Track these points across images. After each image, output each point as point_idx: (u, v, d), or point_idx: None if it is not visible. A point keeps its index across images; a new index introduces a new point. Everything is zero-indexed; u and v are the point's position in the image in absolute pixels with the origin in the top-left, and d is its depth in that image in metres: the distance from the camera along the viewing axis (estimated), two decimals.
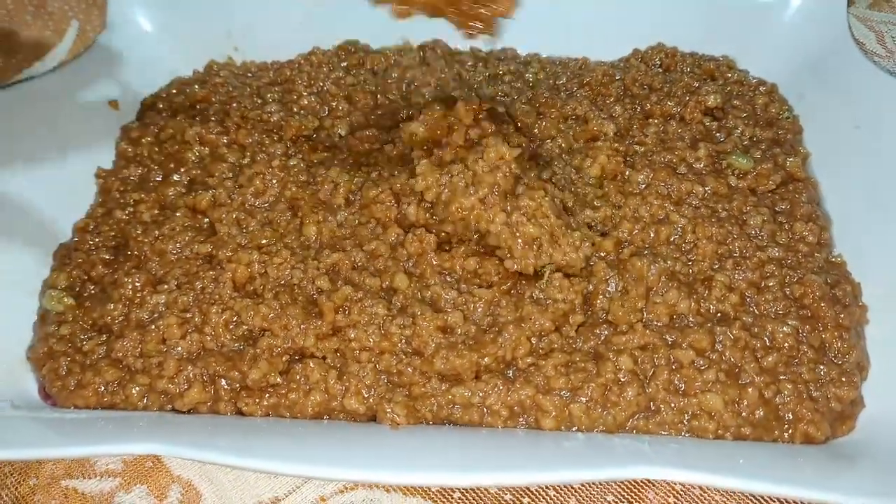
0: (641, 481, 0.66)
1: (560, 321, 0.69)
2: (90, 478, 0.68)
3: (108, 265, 0.78)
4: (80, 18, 1.07)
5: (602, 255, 0.75)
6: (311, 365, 0.68)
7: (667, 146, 0.84)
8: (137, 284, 0.75)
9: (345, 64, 0.99)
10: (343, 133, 0.90)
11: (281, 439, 0.65)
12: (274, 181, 0.83)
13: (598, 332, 0.70)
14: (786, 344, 0.68)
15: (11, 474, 0.68)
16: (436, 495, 0.66)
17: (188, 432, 0.64)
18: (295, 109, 0.93)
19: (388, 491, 0.66)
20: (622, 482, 0.66)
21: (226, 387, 0.69)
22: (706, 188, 0.80)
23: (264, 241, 0.77)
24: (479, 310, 0.70)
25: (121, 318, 0.73)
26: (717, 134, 0.86)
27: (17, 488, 0.68)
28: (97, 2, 1.07)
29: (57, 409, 0.69)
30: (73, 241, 0.80)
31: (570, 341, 0.69)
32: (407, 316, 0.70)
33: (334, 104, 0.93)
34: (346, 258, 0.75)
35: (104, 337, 0.72)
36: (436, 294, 0.72)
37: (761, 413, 0.65)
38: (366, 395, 0.67)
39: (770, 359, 0.67)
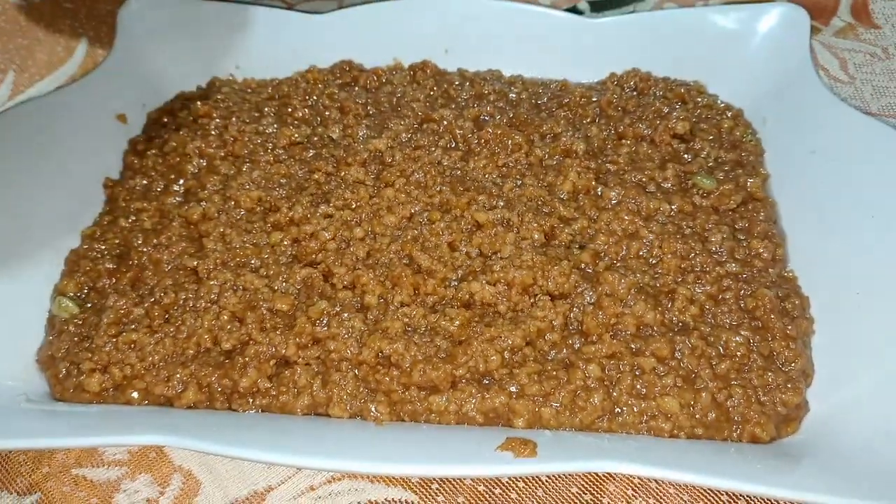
0: (603, 475, 0.72)
1: (534, 337, 0.75)
2: (98, 466, 0.74)
3: (111, 274, 0.84)
4: (89, 36, 1.13)
5: (581, 266, 0.81)
6: (299, 371, 0.74)
7: (637, 166, 0.90)
8: (130, 299, 0.80)
9: (339, 81, 1.05)
10: (335, 136, 0.96)
11: (274, 433, 0.70)
12: (253, 192, 0.88)
13: (570, 342, 0.75)
14: (738, 352, 0.74)
15: (25, 462, 0.74)
16: (415, 485, 0.72)
17: (189, 425, 0.70)
18: (289, 121, 0.99)
19: (371, 481, 0.72)
20: (585, 475, 0.72)
21: (219, 390, 0.74)
22: (673, 206, 0.86)
23: (244, 260, 0.83)
24: (454, 328, 0.75)
25: (116, 329, 0.78)
26: (685, 155, 0.92)
27: (30, 475, 0.73)
28: (107, 20, 1.13)
29: (68, 403, 0.75)
30: (82, 249, 0.86)
31: (543, 353, 0.75)
32: (381, 333, 0.75)
33: (327, 114, 0.99)
34: (318, 272, 0.81)
35: (101, 343, 0.77)
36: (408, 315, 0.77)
37: (713, 415, 0.71)
38: (348, 405, 0.72)
39: (723, 366, 0.73)
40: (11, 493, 0.72)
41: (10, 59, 1.11)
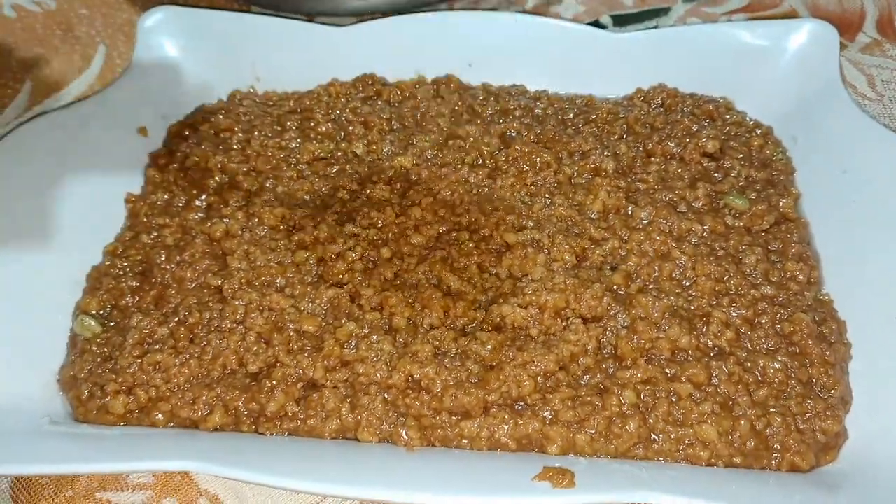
0: None
1: (567, 361, 0.73)
2: (123, 490, 0.73)
3: (134, 292, 0.82)
4: (107, 44, 1.11)
5: (613, 288, 0.79)
6: (327, 395, 0.72)
7: (668, 185, 0.89)
8: (155, 319, 0.78)
9: (362, 95, 1.03)
10: (359, 152, 0.95)
11: (302, 458, 0.69)
12: (277, 209, 0.87)
13: (604, 366, 0.74)
14: (776, 379, 0.72)
15: (48, 485, 0.73)
16: None
17: (216, 450, 0.68)
18: (312, 136, 0.98)
19: None
20: None
21: (245, 413, 0.73)
22: (705, 227, 0.84)
23: (269, 279, 0.81)
24: (486, 352, 0.74)
25: (141, 350, 0.76)
26: (715, 174, 0.91)
27: (54, 499, 0.72)
28: (124, 29, 1.12)
29: (92, 426, 0.73)
30: (104, 265, 0.85)
31: (577, 378, 0.73)
32: (411, 357, 0.74)
33: (351, 129, 0.98)
34: (344, 292, 0.79)
35: (126, 364, 0.75)
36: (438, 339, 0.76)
37: (752, 443, 0.69)
38: (377, 430, 0.71)
39: (761, 392, 0.72)
40: None
41: (27, 68, 1.09)
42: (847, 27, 1.13)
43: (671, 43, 1.03)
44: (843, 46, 1.09)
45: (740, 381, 0.72)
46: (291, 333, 0.77)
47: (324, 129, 0.98)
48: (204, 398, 0.73)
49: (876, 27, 1.14)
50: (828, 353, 0.74)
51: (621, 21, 1.17)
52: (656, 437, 0.70)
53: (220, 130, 0.97)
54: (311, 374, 0.74)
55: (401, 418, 0.71)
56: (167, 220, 0.88)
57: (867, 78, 1.07)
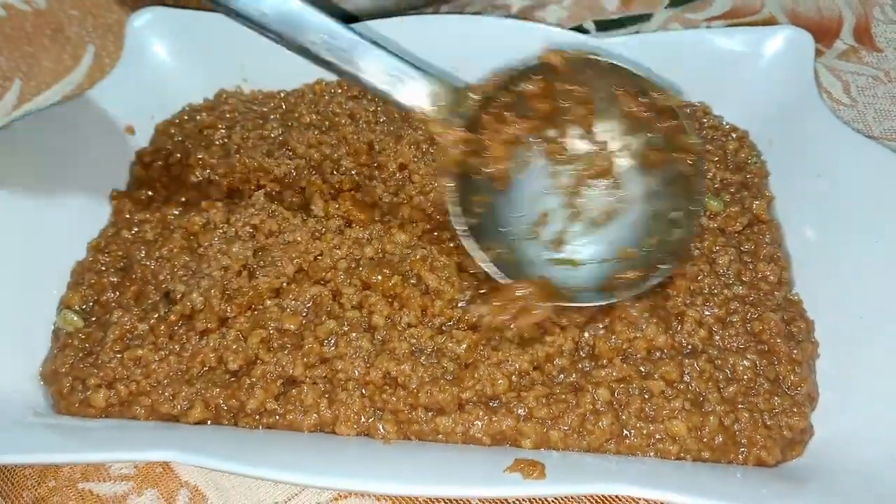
0: (610, 497, 0.72)
1: (542, 362, 0.75)
2: (105, 481, 0.74)
3: (115, 288, 0.83)
4: (96, 44, 1.13)
5: None
6: (306, 390, 0.73)
7: None
8: (135, 315, 0.79)
9: (348, 94, 1.04)
10: (347, 137, 0.96)
11: (281, 450, 0.71)
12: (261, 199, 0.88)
13: (580, 366, 0.75)
14: (745, 376, 0.74)
15: (31, 476, 0.74)
16: None
17: (196, 442, 0.70)
18: (295, 125, 0.99)
19: (378, 500, 0.72)
20: (591, 497, 0.73)
21: (225, 409, 0.74)
22: None
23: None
24: (461, 350, 0.75)
25: (122, 345, 0.78)
26: None
27: (36, 489, 0.73)
28: (113, 29, 1.13)
29: (75, 418, 0.75)
30: (87, 261, 0.86)
31: (552, 377, 0.75)
32: (389, 354, 0.75)
33: (336, 119, 0.99)
34: (327, 290, 0.80)
35: (107, 359, 0.76)
36: (416, 336, 0.77)
37: (720, 438, 0.71)
38: (354, 424, 0.72)
39: (731, 389, 0.73)
40: None
41: (16, 67, 1.11)
42: (825, 34, 1.15)
43: (652, 48, 1.04)
44: (820, 53, 1.11)
45: (711, 378, 0.74)
46: (272, 331, 0.78)
47: (307, 120, 0.99)
48: (184, 394, 0.74)
49: (853, 34, 1.16)
50: (795, 351, 0.76)
51: (604, 26, 1.19)
52: (628, 433, 0.72)
53: (204, 127, 0.99)
54: (291, 371, 0.75)
55: (378, 413, 0.73)
56: (148, 216, 0.89)
57: (843, 84, 1.09)
